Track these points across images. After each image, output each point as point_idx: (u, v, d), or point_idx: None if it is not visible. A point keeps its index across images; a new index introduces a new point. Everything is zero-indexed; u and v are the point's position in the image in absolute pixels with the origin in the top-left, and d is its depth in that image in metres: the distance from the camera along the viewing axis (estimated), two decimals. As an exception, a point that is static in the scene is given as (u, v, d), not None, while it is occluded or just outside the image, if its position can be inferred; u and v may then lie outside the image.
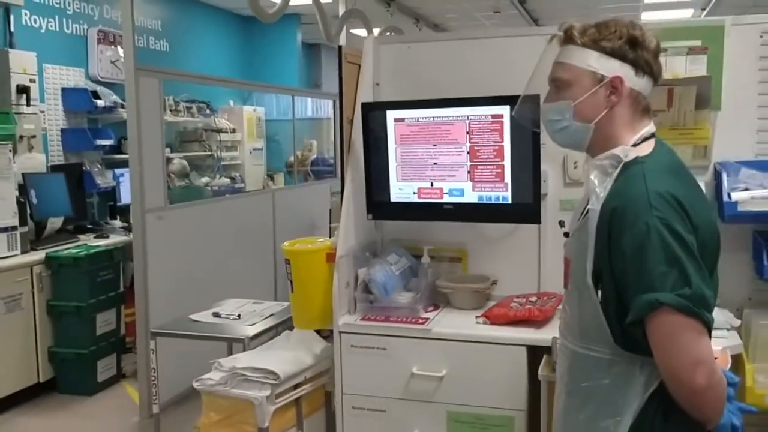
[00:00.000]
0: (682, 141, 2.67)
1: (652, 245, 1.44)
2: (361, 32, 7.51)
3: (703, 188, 2.63)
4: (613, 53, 1.62)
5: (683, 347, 1.42)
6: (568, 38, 1.68)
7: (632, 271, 1.47)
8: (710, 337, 1.46)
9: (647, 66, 1.63)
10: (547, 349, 2.39)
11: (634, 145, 1.62)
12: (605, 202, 1.54)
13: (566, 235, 1.74)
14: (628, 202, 1.49)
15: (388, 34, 7.87)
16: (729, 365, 2.21)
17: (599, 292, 1.55)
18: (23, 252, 4.70)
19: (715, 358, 1.93)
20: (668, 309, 1.41)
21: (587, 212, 1.59)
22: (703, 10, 9.04)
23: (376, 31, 7.71)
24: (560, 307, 1.84)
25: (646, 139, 1.64)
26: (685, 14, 9.49)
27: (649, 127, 1.67)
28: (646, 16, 9.44)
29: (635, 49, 1.62)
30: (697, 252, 1.46)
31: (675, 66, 2.67)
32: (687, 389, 1.44)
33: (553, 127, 1.71)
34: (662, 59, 2.65)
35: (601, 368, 1.58)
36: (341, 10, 6.97)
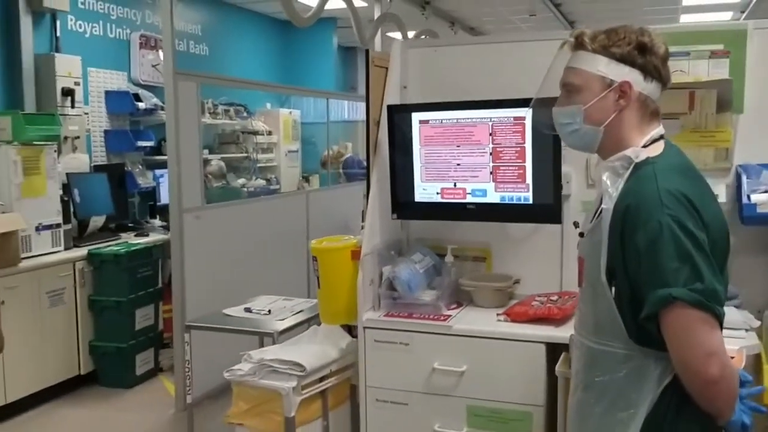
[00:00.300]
0: (704, 143, 2.71)
1: (664, 242, 1.49)
2: (398, 35, 7.59)
3: (724, 191, 2.68)
4: (622, 59, 1.68)
5: (697, 340, 1.48)
6: (578, 44, 1.74)
7: (646, 268, 1.52)
8: (722, 330, 1.51)
9: (656, 71, 1.69)
10: (565, 347, 2.44)
11: (644, 147, 1.67)
12: (618, 201, 1.60)
13: (581, 235, 1.81)
14: (640, 201, 1.55)
15: (423, 37, 7.95)
16: (743, 365, 2.24)
17: (613, 289, 1.61)
18: (66, 248, 4.88)
19: (732, 357, 1.98)
20: (682, 303, 1.46)
21: (601, 212, 1.65)
22: (743, 12, 8.94)
23: (411, 34, 7.79)
24: (578, 305, 1.90)
25: (655, 140, 1.70)
26: (724, 17, 9.39)
27: (658, 129, 1.72)
28: (685, 19, 9.38)
29: (644, 54, 1.68)
30: (708, 248, 1.51)
31: (697, 69, 2.70)
32: (701, 380, 1.49)
33: (564, 130, 1.78)
34: (685, 63, 2.71)
35: (615, 363, 1.64)
36: (376, 14, 7.07)
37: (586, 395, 1.72)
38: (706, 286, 1.47)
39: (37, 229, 4.67)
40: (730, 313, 2.51)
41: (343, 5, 5.92)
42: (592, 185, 2.90)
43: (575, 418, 1.78)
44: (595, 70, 1.70)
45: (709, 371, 1.47)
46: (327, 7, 5.36)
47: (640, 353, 1.60)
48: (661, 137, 1.72)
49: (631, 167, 1.63)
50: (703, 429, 1.57)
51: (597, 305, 1.66)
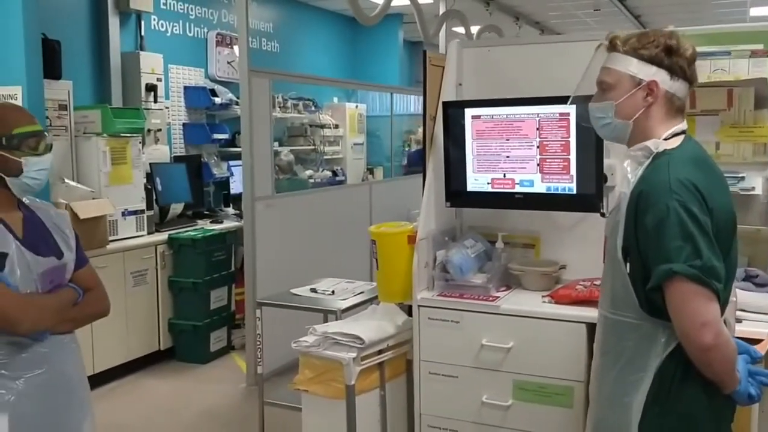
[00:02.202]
0: (743, 138, 2.84)
1: (670, 223, 1.69)
2: (462, 30, 7.74)
3: (761, 184, 2.81)
4: (650, 60, 1.86)
5: (693, 310, 1.67)
6: (612, 47, 1.94)
7: (653, 245, 1.72)
8: (720, 304, 1.70)
9: (681, 71, 1.87)
10: (604, 326, 2.62)
11: (666, 140, 1.86)
12: (634, 186, 1.80)
13: (602, 215, 2.02)
14: (652, 187, 1.75)
15: (487, 33, 8.10)
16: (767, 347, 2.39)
17: (627, 265, 1.81)
18: (149, 233, 5.26)
19: (761, 340, 2.15)
20: (681, 277, 1.67)
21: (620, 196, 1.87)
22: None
23: (474, 29, 7.95)
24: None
25: (676, 134, 1.88)
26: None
27: (681, 125, 1.90)
28: (755, 12, 9.23)
29: (670, 56, 1.85)
30: (710, 231, 1.70)
31: (738, 68, 2.83)
32: (696, 347, 1.69)
33: (599, 124, 1.98)
34: (726, 62, 2.86)
35: (628, 331, 1.84)
36: (441, 10, 7.26)
37: (603, 360, 1.94)
38: (705, 263, 1.66)
39: (123, 214, 5.05)
40: (763, 299, 2.65)
41: (408, 2, 6.15)
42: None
43: (595, 381, 1.99)
44: (626, 69, 1.88)
45: (703, 339, 1.66)
46: (393, 3, 5.61)
47: (649, 323, 1.79)
48: (683, 132, 1.90)
49: (651, 157, 1.83)
50: (707, 394, 1.76)
51: (614, 280, 1.87)
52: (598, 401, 1.98)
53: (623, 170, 1.88)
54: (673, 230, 1.68)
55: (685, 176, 1.73)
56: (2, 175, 2.00)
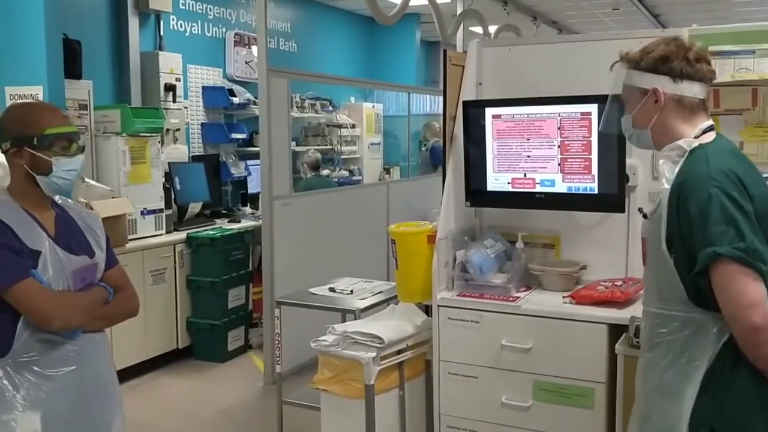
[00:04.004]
0: (767, 138, 2.81)
1: (712, 209, 1.72)
2: (479, 30, 7.72)
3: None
4: (649, 69, 1.94)
5: (739, 291, 1.68)
6: (623, 63, 2.01)
7: (697, 232, 1.74)
8: (766, 285, 1.70)
9: (683, 73, 1.91)
10: (626, 327, 2.59)
11: (697, 137, 1.91)
12: (674, 180, 1.83)
13: (645, 216, 2.05)
14: (693, 177, 1.79)
15: (504, 32, 8.07)
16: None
17: (672, 257, 1.82)
18: (168, 232, 5.28)
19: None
20: (725, 259, 1.69)
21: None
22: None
23: (492, 29, 7.92)
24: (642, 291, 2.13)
25: (706, 131, 1.93)
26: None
27: (707, 122, 1.95)
28: (776, 11, 9.13)
29: (666, 62, 1.92)
30: (753, 216, 1.73)
31: (762, 67, 2.80)
32: (744, 328, 1.69)
33: (627, 135, 2.08)
34: (750, 60, 2.83)
35: (678, 324, 1.85)
36: (459, 10, 7.24)
37: (652, 354, 1.93)
38: (748, 245, 1.68)
39: (142, 213, 5.07)
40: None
41: (426, 2, 6.14)
42: (657, 177, 3.03)
43: (640, 378, 1.99)
44: (632, 82, 1.97)
45: (751, 319, 1.66)
46: (411, 3, 5.60)
47: (698, 314, 1.80)
48: (711, 128, 1.94)
49: (686, 154, 1.87)
50: (756, 384, 1.75)
51: (659, 275, 1.88)
52: (646, 395, 1.96)
53: (661, 169, 1.91)
54: (715, 216, 1.71)
55: (725, 165, 1.78)
56: (33, 174, 2.01)
